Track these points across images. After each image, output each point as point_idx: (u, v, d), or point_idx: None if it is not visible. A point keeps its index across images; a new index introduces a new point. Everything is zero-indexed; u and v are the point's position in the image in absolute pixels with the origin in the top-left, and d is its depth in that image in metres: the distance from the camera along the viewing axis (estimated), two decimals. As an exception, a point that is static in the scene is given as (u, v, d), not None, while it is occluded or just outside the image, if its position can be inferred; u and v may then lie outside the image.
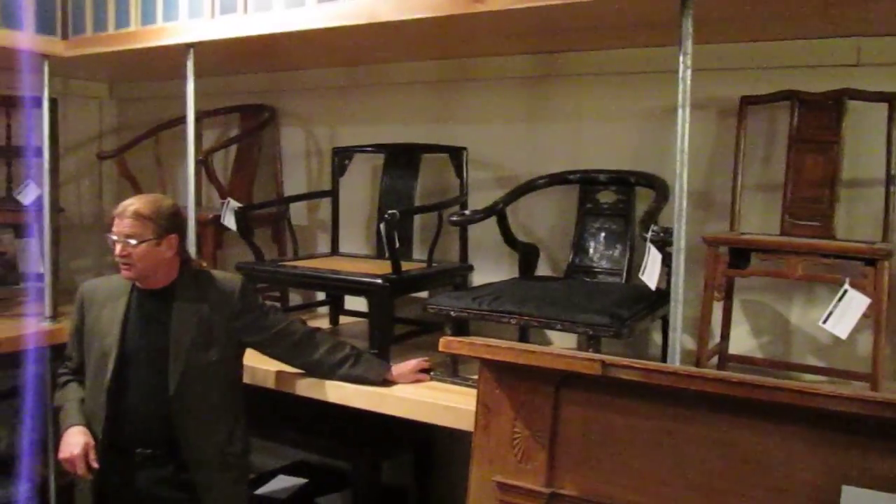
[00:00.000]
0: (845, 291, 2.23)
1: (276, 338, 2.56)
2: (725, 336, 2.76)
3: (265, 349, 2.61)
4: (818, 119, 2.62)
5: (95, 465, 2.32)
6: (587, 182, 2.97)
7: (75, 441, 2.33)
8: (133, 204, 2.39)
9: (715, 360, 2.71)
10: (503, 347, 2.05)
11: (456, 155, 3.20)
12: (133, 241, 2.34)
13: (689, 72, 2.09)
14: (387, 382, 2.58)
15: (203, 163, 3.43)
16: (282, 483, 3.54)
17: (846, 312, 2.21)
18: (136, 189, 3.79)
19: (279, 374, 2.72)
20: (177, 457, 2.39)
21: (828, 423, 1.73)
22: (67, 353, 2.57)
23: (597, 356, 1.98)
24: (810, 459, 1.77)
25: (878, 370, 2.32)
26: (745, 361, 2.74)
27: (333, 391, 2.60)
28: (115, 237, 2.37)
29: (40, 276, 3.66)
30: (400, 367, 2.62)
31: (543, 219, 3.24)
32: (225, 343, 2.47)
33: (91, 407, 2.41)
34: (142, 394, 2.39)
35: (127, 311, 2.43)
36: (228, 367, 2.51)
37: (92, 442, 2.34)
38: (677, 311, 2.13)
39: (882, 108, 2.54)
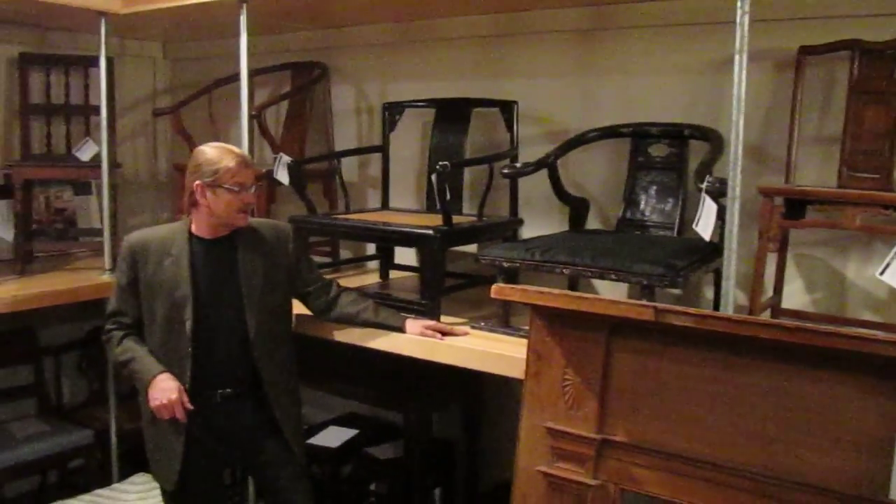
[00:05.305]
0: (904, 242, 2.19)
1: (318, 291, 2.71)
2: (778, 290, 2.73)
3: (307, 299, 2.73)
4: (880, 69, 2.54)
5: (190, 406, 2.41)
6: (639, 135, 2.94)
7: (169, 386, 2.40)
8: (243, 153, 2.55)
9: (767, 314, 2.69)
10: (555, 294, 2.06)
11: (506, 109, 3.18)
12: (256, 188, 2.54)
13: (746, 17, 2.05)
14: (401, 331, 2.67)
15: (256, 118, 3.47)
16: (333, 434, 3.61)
17: (905, 264, 2.17)
18: (192, 146, 3.85)
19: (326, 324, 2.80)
20: (253, 394, 2.53)
21: (882, 371, 1.72)
22: (116, 308, 2.57)
23: (649, 303, 1.98)
24: (864, 407, 1.76)
25: (937, 324, 2.29)
26: (798, 316, 2.71)
27: (386, 340, 2.66)
28: (249, 186, 2.48)
29: (99, 231, 3.76)
30: (413, 322, 2.66)
31: (594, 172, 3.22)
32: (285, 286, 2.62)
33: (169, 356, 2.47)
34: (223, 338, 2.50)
35: (192, 260, 2.49)
36: (288, 305, 2.66)
37: (182, 386, 2.43)
38: (731, 259, 2.13)
39: (947, 57, 2.47)
